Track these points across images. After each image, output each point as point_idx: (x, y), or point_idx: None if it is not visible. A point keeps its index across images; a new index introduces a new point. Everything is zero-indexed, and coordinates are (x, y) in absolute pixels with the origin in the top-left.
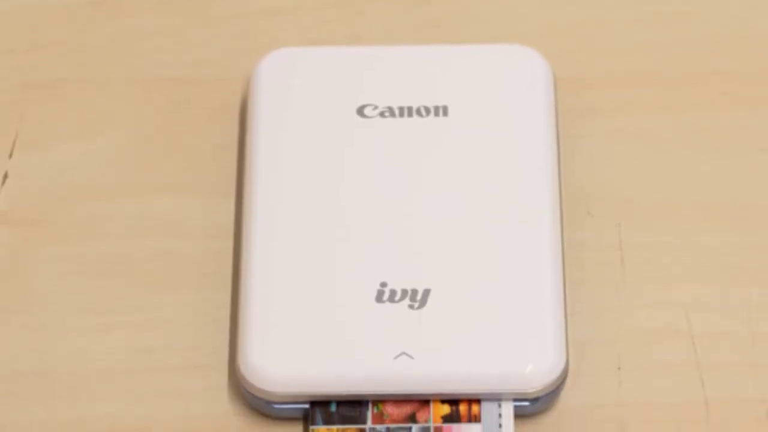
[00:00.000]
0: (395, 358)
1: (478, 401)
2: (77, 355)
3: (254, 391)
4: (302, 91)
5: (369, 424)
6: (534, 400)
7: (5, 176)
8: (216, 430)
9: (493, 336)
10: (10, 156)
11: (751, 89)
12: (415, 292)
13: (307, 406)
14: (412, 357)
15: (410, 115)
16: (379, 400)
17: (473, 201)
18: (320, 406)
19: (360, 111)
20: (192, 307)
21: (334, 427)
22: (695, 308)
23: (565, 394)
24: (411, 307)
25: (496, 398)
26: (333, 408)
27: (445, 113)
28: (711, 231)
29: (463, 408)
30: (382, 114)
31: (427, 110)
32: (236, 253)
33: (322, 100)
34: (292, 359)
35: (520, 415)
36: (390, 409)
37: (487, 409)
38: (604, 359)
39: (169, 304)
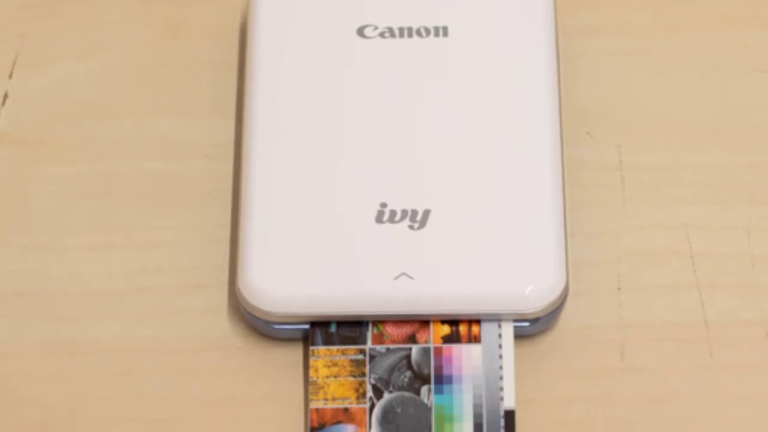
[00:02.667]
0: (395, 278)
1: (478, 322)
2: (77, 276)
3: (254, 312)
4: (302, 12)
5: (369, 345)
6: (534, 321)
7: (5, 96)
8: (216, 351)
9: (493, 256)
10: (10, 76)
11: (751, 10)
12: (415, 212)
13: (307, 326)
14: (412, 277)
15: (410, 35)
16: (379, 321)
17: (473, 121)
18: (320, 327)
19: (360, 31)
20: (192, 227)
21: (334, 348)
22: (695, 229)
23: (565, 315)
24: (411, 227)
25: (496, 319)
26: (333, 328)
27: (445, 34)
28: (711, 152)
29: (463, 329)
30: (382, 34)
31: (427, 31)
32: (236, 173)
33: (322, 21)
34: (292, 279)
35: (519, 335)
36: (390, 330)
37: (487, 330)
38: (604, 280)
39: (169, 224)
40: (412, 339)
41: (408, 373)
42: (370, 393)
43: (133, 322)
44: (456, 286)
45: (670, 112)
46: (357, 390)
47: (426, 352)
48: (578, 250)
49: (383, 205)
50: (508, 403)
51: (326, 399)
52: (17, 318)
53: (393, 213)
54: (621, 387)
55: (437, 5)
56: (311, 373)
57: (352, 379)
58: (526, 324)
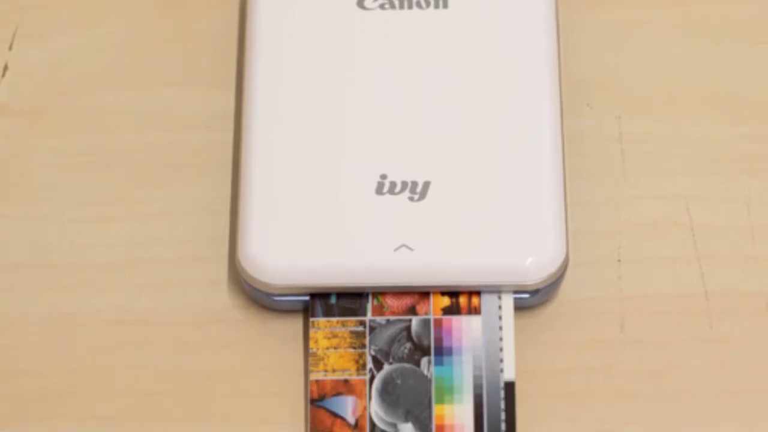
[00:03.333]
0: (395, 250)
1: (478, 293)
2: (77, 247)
3: (254, 283)
4: None
5: (369, 316)
6: (534, 293)
7: (5, 68)
8: (216, 323)
9: (493, 228)
10: (10, 48)
11: None
12: (415, 184)
13: (307, 298)
14: (412, 249)
15: (410, 6)
16: (379, 292)
17: (473, 93)
18: (320, 298)
19: (360, 2)
20: (192, 199)
21: (334, 319)
22: (695, 200)
23: (564, 287)
24: (411, 199)
25: (496, 290)
26: (333, 300)
27: (445, 5)
28: (712, 123)
29: (463, 300)
30: (381, 6)
31: (427, 2)
32: (236, 144)
33: None
34: (292, 251)
35: (519, 307)
36: (390, 301)
37: (487, 301)
38: (604, 251)
39: (169, 196)
40: (412, 310)
41: (408, 345)
42: (370, 364)
43: (133, 294)
44: (456, 258)
45: (670, 83)
46: (357, 361)
47: (426, 323)
48: (578, 222)
49: (383, 176)
50: (508, 374)
51: (326, 370)
52: (17, 289)
53: (393, 184)
54: (621, 359)
55: None
56: (311, 344)
57: (352, 350)
58: (526, 295)
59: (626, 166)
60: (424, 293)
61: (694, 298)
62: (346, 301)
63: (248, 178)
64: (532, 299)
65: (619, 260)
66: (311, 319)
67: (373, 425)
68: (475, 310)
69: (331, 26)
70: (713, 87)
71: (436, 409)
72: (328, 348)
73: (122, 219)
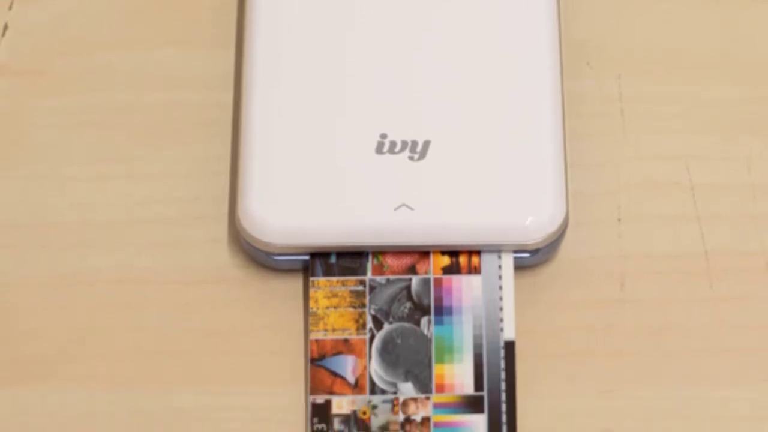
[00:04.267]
0: (395, 209)
1: (478, 253)
2: (77, 207)
3: (254, 243)
4: None
5: (369, 276)
6: (534, 252)
7: (5, 27)
8: (216, 282)
9: (493, 188)
10: (10, 7)
11: None
12: (415, 143)
13: (307, 257)
14: (412, 208)
15: None
16: (379, 252)
17: (473, 53)
18: (320, 258)
19: None
20: (192, 158)
21: (334, 279)
22: (695, 160)
23: (564, 246)
24: (411, 158)
25: (496, 250)
26: (333, 259)
27: None
28: (712, 83)
29: (463, 260)
30: None
31: None
32: (236, 104)
33: None
34: (292, 210)
35: (519, 266)
36: (390, 261)
37: (487, 261)
38: (604, 211)
39: (169, 155)
40: (412, 270)
41: (408, 304)
42: (370, 324)
43: (133, 254)
44: (456, 217)
45: (670, 43)
46: (357, 321)
47: (426, 283)
48: (578, 182)
49: (383, 136)
50: (508, 333)
51: (326, 330)
52: (17, 249)
53: (393, 144)
54: (621, 318)
55: None
56: (311, 304)
57: (352, 310)
58: (526, 255)
59: (626, 126)
60: (424, 253)
61: (694, 258)
62: (346, 260)
63: (248, 137)
64: (532, 259)
65: (619, 220)
66: (311, 279)
67: (373, 384)
68: (475, 270)
69: None
70: (714, 46)
71: (436, 369)
72: (328, 307)
73: (122, 178)
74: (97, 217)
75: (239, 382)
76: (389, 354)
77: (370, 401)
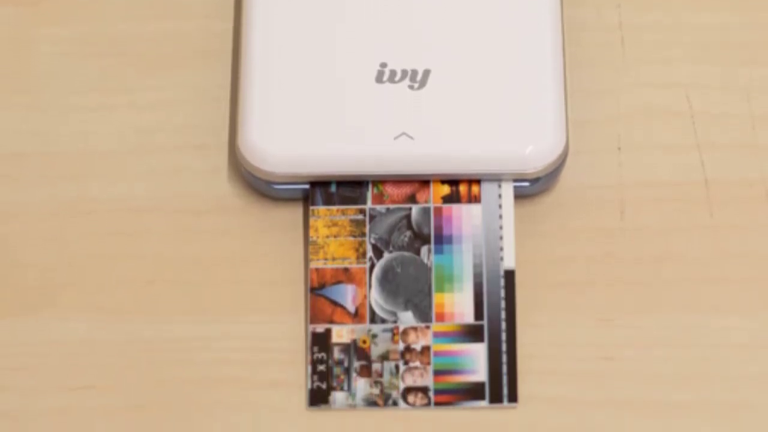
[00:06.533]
0: (395, 138)
1: (478, 182)
2: (79, 136)
3: (254, 172)
4: None
5: (369, 205)
6: (534, 181)
7: None
8: (216, 211)
9: (492, 116)
10: None
11: None
12: (415, 72)
13: (307, 186)
14: (412, 137)
15: None
16: (379, 181)
17: None
18: (320, 187)
19: None
20: (192, 87)
21: (334, 208)
22: (695, 88)
23: (564, 175)
24: (411, 87)
25: (496, 179)
26: (333, 188)
27: None
28: (713, 11)
29: (463, 188)
30: None
31: None
32: (236, 32)
33: None
34: (292, 139)
35: (519, 195)
36: (390, 190)
37: (487, 190)
38: (604, 140)
39: (170, 84)
40: (412, 199)
41: (408, 233)
42: (370, 253)
43: (134, 182)
44: (456, 146)
45: None
46: (357, 250)
47: (426, 211)
48: (578, 111)
49: (383, 65)
50: (508, 262)
51: (326, 259)
52: (18, 178)
53: (393, 73)
54: (621, 247)
55: None
56: (311, 233)
57: (352, 239)
58: (526, 184)
59: (626, 55)
60: (424, 182)
61: (694, 186)
62: (346, 189)
63: (248, 66)
64: (532, 188)
65: (619, 148)
66: (311, 208)
67: (373, 313)
68: (475, 199)
69: None
70: None
71: (436, 298)
72: (328, 236)
73: (123, 107)
74: (97, 147)
75: (239, 311)
76: (389, 283)
77: (370, 330)
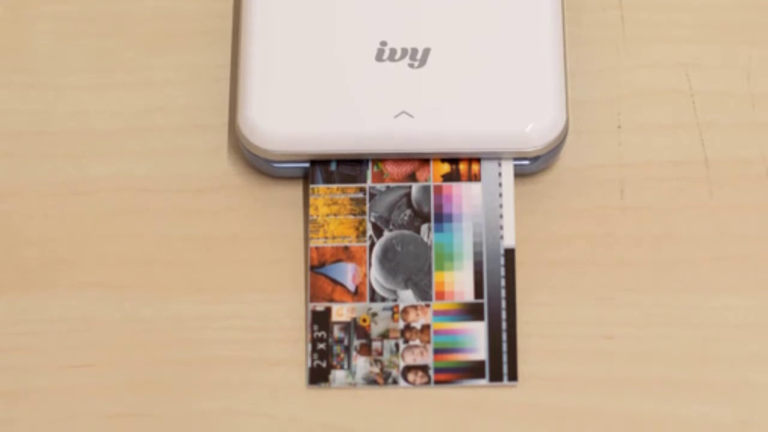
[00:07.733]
0: (395, 116)
1: (478, 160)
2: (78, 115)
3: (254, 150)
4: None
5: (369, 183)
6: (534, 159)
7: None
8: (216, 190)
9: (493, 95)
10: None
11: None
12: (415, 50)
13: (307, 164)
14: (412, 116)
15: None
16: (379, 159)
17: None
18: (320, 165)
19: None
20: (192, 66)
21: (334, 186)
22: (696, 68)
23: (564, 154)
24: (411, 65)
25: (496, 157)
26: (333, 167)
27: None
28: None
29: (463, 167)
30: None
31: None
32: (236, 12)
33: None
34: (292, 118)
35: (519, 174)
36: (390, 168)
37: (487, 168)
38: (604, 119)
39: (170, 63)
40: (412, 177)
41: (408, 212)
42: (370, 231)
43: (133, 162)
44: (456, 124)
45: None
46: (357, 228)
47: (426, 190)
48: (578, 89)
49: (383, 43)
50: (508, 241)
51: (326, 237)
52: (17, 157)
53: (393, 51)
54: (620, 226)
55: None
56: (311, 211)
57: (352, 217)
58: (526, 162)
59: (626, 34)
60: (424, 160)
61: (694, 165)
62: (346, 167)
63: (248, 45)
64: (532, 166)
65: (619, 127)
66: (311, 186)
67: (373, 292)
68: (475, 177)
69: None
70: None
71: (436, 276)
72: (328, 215)
73: (122, 86)
74: (97, 126)
75: (239, 290)
76: (389, 261)
77: (370, 309)
